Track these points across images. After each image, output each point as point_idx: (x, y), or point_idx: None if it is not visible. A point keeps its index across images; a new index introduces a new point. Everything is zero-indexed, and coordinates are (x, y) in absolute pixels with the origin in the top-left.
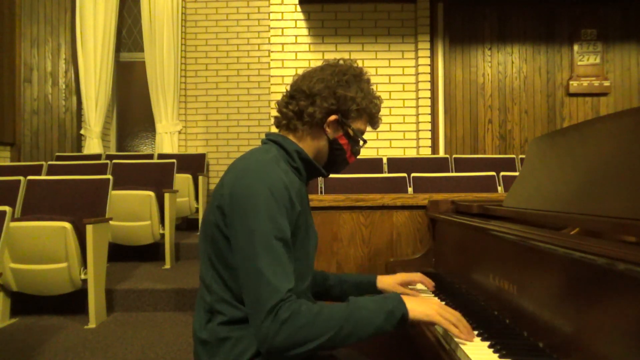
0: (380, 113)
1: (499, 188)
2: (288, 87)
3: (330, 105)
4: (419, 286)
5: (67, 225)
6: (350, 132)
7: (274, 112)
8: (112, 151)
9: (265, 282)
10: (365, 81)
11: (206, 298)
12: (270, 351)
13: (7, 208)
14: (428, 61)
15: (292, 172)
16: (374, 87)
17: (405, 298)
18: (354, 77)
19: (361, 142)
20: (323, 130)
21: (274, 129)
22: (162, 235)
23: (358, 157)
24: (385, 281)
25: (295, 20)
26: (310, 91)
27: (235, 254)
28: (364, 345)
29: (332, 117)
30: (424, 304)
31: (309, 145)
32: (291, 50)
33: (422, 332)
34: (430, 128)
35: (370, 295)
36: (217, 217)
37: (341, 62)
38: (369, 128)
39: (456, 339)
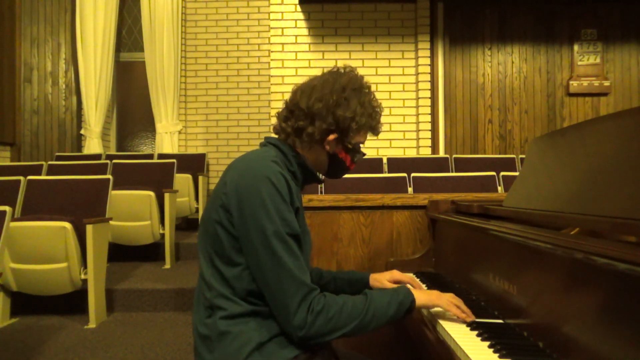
0: (381, 115)
1: (499, 188)
2: (287, 97)
3: (329, 126)
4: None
5: (67, 225)
6: (349, 146)
7: (274, 114)
8: (112, 151)
9: (290, 276)
10: (365, 94)
11: (206, 294)
12: (304, 339)
13: (7, 208)
14: (428, 61)
15: (288, 175)
16: (374, 93)
17: (411, 289)
18: (353, 91)
19: (361, 152)
20: (322, 147)
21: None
22: (162, 235)
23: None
24: (377, 278)
25: (295, 20)
26: (308, 110)
27: (249, 252)
28: (364, 345)
29: (332, 137)
30: (426, 293)
31: (308, 157)
32: (291, 50)
33: (422, 331)
34: (430, 128)
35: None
36: (222, 215)
37: (342, 71)
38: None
39: (456, 339)
